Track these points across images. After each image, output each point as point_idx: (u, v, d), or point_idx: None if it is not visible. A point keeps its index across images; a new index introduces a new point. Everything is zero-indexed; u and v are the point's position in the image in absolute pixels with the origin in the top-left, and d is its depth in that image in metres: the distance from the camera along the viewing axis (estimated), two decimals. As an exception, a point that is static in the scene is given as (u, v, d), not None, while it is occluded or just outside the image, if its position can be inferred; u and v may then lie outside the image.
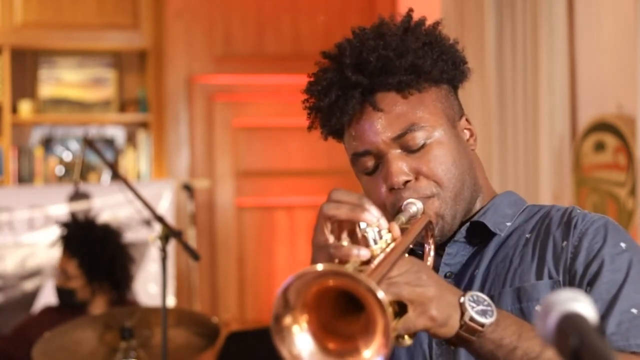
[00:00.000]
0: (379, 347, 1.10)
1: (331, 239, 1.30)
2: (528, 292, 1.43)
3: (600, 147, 3.56)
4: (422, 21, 1.56)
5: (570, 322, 0.86)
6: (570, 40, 3.77)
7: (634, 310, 1.37)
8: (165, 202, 4.78)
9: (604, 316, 1.37)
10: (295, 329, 1.14)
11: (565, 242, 1.45)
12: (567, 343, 0.84)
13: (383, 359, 1.10)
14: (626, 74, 3.39)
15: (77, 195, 4.61)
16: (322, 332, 1.16)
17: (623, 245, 1.43)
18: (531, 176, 3.79)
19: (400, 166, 1.47)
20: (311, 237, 1.33)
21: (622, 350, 1.36)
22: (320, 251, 1.29)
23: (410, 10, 1.57)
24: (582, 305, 0.88)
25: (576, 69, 3.78)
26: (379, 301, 1.08)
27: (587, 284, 1.40)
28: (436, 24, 1.57)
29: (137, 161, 5.37)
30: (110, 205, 4.08)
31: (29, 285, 4.64)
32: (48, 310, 3.78)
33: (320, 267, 1.12)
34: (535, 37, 3.77)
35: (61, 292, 3.69)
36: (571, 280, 1.42)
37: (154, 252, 4.50)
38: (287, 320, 1.13)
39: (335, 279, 1.12)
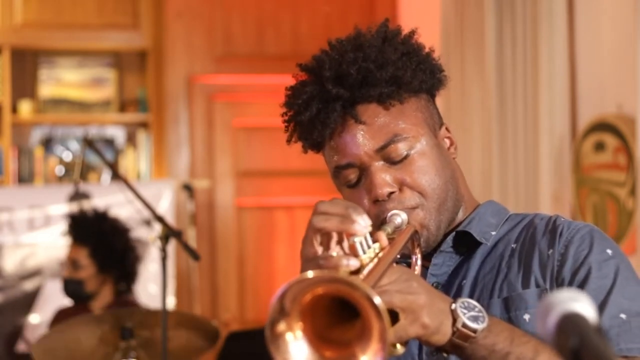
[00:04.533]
0: (376, 351, 1.10)
1: (320, 250, 1.30)
2: (515, 301, 1.44)
3: (600, 147, 3.56)
4: (398, 31, 1.55)
5: (570, 322, 0.86)
6: (570, 40, 3.77)
7: (623, 316, 1.38)
8: (165, 202, 4.78)
9: None
10: (290, 336, 1.14)
11: (551, 250, 1.46)
12: (567, 343, 0.84)
13: None
14: (626, 74, 3.39)
15: (77, 195, 4.61)
16: (317, 341, 1.15)
17: (609, 252, 1.44)
18: (531, 176, 3.78)
19: (384, 178, 1.47)
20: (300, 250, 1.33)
21: None
22: (309, 263, 1.29)
23: (386, 19, 1.57)
24: (582, 305, 0.88)
25: (576, 69, 3.78)
26: (375, 306, 1.07)
27: None
28: (412, 33, 1.56)
29: (137, 161, 5.37)
30: (110, 205, 4.07)
31: (29, 285, 4.64)
32: (62, 313, 3.77)
33: (316, 273, 1.12)
34: (535, 37, 3.76)
35: (69, 283, 3.67)
36: (559, 288, 1.42)
37: (154, 252, 4.50)
38: (282, 327, 1.13)
39: (331, 285, 1.12)
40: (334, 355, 1.15)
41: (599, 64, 3.65)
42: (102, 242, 3.67)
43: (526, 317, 1.42)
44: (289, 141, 1.55)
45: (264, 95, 5.41)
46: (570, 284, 1.42)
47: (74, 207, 4.46)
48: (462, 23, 4.22)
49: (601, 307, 1.38)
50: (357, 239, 1.26)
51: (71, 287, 3.67)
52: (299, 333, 1.14)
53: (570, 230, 1.46)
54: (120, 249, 3.73)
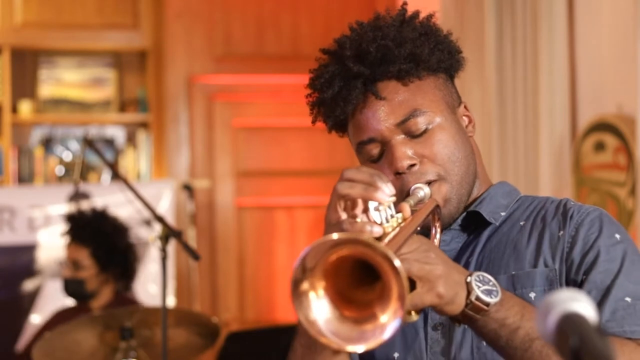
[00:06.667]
0: (395, 311, 1.13)
1: (344, 216, 1.34)
2: (522, 279, 1.48)
3: (600, 147, 3.56)
4: (416, 14, 1.61)
5: (570, 322, 0.86)
6: (570, 40, 3.77)
7: (628, 299, 1.42)
8: (165, 202, 4.78)
9: (600, 304, 1.42)
10: (312, 295, 1.17)
11: (561, 232, 1.50)
12: (567, 343, 0.84)
13: (399, 322, 1.13)
14: (626, 74, 3.39)
15: (77, 195, 4.60)
16: (338, 300, 1.19)
17: (618, 236, 1.48)
18: (531, 176, 3.78)
19: (405, 151, 1.51)
20: (324, 216, 1.37)
21: (617, 336, 1.40)
22: (333, 228, 1.33)
23: (405, 3, 1.63)
24: (582, 305, 0.88)
25: (576, 69, 3.78)
26: (394, 268, 1.10)
27: (583, 273, 1.45)
28: (430, 16, 1.62)
29: (137, 161, 5.37)
30: (110, 205, 4.07)
31: (29, 286, 4.64)
32: (59, 314, 3.78)
33: (339, 235, 1.16)
34: (535, 37, 3.76)
35: (69, 283, 3.68)
36: (568, 270, 1.47)
37: (154, 252, 4.50)
38: (305, 286, 1.16)
39: (353, 247, 1.15)
40: (354, 314, 1.18)
41: (599, 64, 3.65)
42: (103, 242, 3.68)
43: (532, 295, 1.46)
44: (314, 122, 1.60)
45: (264, 95, 5.41)
46: (579, 266, 1.46)
47: (73, 207, 4.46)
48: (462, 23, 4.22)
49: (607, 290, 1.42)
50: (381, 208, 1.30)
51: (72, 287, 3.68)
52: (321, 292, 1.17)
53: (581, 213, 1.50)
54: (121, 248, 3.74)
